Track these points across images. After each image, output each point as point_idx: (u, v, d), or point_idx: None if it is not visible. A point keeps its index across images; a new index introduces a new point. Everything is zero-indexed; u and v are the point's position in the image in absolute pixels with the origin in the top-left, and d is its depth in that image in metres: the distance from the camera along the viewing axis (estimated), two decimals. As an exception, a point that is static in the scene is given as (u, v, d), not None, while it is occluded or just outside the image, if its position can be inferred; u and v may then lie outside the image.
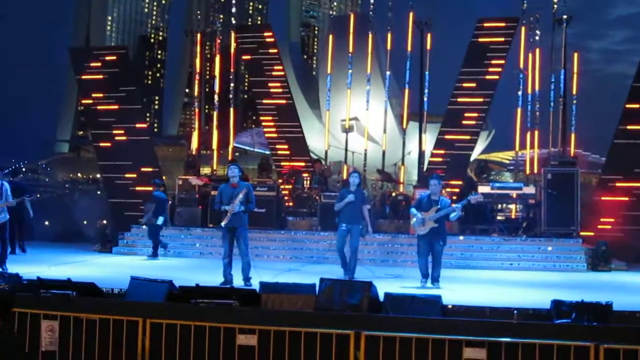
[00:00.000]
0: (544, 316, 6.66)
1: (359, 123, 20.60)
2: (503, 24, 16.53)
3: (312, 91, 26.48)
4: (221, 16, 40.26)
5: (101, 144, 17.03)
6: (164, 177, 16.88)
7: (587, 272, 12.41)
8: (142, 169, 16.25)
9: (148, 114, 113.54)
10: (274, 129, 18.53)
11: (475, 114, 16.37)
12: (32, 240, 15.16)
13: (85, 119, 26.93)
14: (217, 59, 19.47)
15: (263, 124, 19.02)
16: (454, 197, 13.14)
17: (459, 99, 16.35)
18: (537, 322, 6.41)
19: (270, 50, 18.48)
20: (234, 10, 24.56)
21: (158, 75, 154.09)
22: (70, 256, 13.27)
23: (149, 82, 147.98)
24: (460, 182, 15.47)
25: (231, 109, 19.89)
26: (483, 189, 13.81)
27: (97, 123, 17.07)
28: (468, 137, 16.44)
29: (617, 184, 14.32)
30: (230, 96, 19.82)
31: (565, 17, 16.17)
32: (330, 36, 21.19)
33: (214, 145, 19.27)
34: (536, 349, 5.61)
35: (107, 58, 17.24)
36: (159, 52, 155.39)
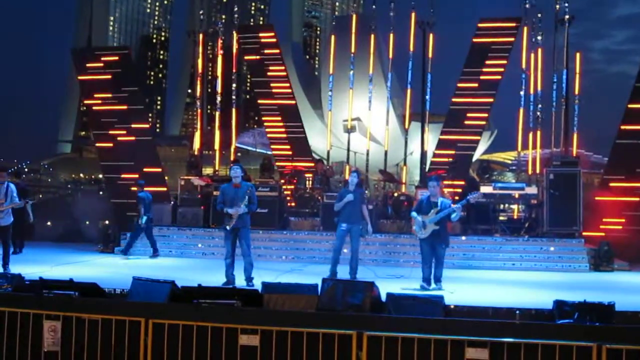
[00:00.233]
0: (547, 316, 6.67)
1: (361, 123, 20.60)
2: (505, 24, 16.53)
3: (314, 91, 26.50)
4: (223, 16, 40.42)
5: (103, 145, 17.04)
6: (166, 178, 16.91)
7: (590, 272, 12.42)
8: (145, 170, 16.21)
9: (150, 115, 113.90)
10: (276, 130, 18.55)
11: (478, 114, 16.39)
12: (34, 241, 15.19)
13: (88, 120, 26.93)
14: (219, 59, 19.45)
15: (265, 124, 19.08)
16: (456, 198, 13.13)
17: (461, 99, 16.36)
18: (539, 322, 6.40)
19: (273, 51, 18.50)
20: (236, 10, 24.60)
21: (160, 75, 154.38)
22: (73, 256, 13.30)
23: (151, 82, 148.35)
24: (461, 182, 15.46)
25: (233, 110, 19.91)
26: (485, 189, 13.80)
27: (99, 123, 17.08)
28: (470, 137, 16.45)
29: (620, 184, 14.29)
30: (233, 96, 19.81)
31: (567, 17, 16.15)
32: (333, 36, 21.18)
33: (216, 146, 19.24)
34: (538, 349, 5.60)
35: (109, 58, 17.23)
36: (161, 52, 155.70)
